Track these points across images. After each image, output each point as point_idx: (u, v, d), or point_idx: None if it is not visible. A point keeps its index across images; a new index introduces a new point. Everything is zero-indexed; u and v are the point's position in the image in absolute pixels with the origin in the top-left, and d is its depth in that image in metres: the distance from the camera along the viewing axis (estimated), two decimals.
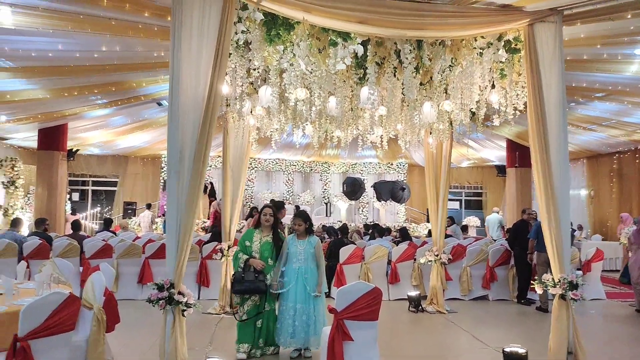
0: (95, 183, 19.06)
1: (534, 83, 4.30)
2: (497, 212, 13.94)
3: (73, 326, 3.41)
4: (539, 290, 4.35)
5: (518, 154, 13.28)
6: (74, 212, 14.80)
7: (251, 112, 6.34)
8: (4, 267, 6.78)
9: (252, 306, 4.78)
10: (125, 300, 7.13)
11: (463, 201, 20.81)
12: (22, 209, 12.86)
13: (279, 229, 5.04)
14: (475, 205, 20.74)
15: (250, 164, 18.53)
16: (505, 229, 12.55)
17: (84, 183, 18.96)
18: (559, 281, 4.11)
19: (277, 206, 6.76)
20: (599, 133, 11.68)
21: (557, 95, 4.31)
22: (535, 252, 7.63)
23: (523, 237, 8.03)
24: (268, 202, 10.76)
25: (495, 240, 10.81)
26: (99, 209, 18.72)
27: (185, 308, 3.67)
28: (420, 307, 7.20)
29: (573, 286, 4.08)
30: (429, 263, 7.41)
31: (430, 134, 6.92)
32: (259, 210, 5.09)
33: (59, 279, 4.73)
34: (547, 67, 4.32)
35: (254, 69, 4.57)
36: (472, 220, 16.40)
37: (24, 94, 8.68)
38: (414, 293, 7.34)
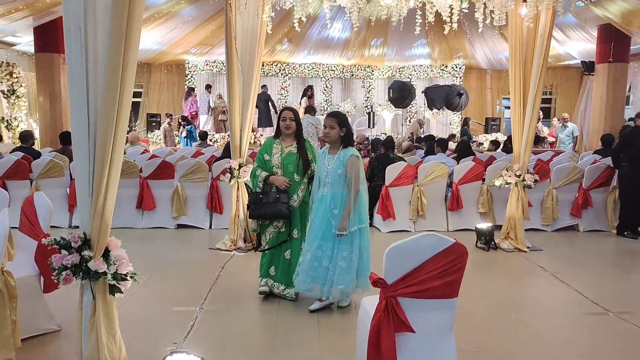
0: None
1: None
2: (566, 120, 11.87)
3: None
4: None
5: (613, 45, 10.50)
6: None
7: None
8: None
9: (275, 234, 3.79)
10: (121, 229, 5.82)
11: None
12: (36, 121, 11.65)
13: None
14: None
15: (284, 69, 16.55)
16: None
17: None
18: None
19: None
20: None
21: None
22: None
23: (635, 150, 5.97)
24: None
25: None
26: None
27: (113, 282, 2.06)
28: (492, 243, 5.48)
29: None
30: (506, 186, 5.55)
31: (525, 1, 4.74)
32: (278, 114, 3.89)
33: None
34: None
35: None
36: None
37: None
38: (484, 225, 5.57)
